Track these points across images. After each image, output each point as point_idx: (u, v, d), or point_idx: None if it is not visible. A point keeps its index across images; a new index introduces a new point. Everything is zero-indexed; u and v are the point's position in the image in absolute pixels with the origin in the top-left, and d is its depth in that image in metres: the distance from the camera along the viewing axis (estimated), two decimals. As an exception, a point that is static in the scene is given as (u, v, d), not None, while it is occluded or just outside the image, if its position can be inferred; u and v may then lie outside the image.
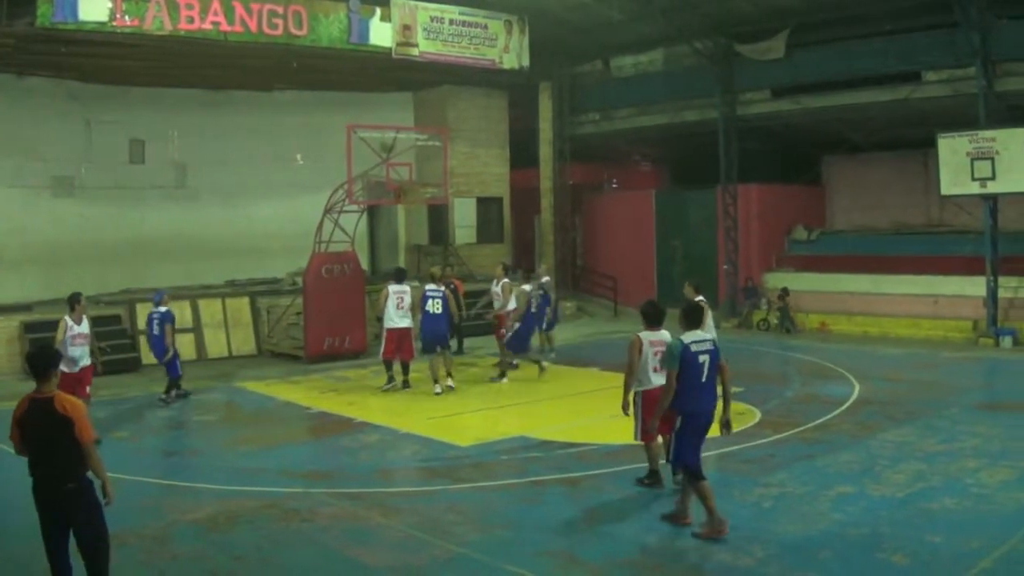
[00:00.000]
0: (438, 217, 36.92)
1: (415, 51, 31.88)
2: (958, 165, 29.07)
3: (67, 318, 17.30)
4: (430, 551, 11.14)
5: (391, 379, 22.38)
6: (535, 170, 39.69)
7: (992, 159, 28.32)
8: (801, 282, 34.39)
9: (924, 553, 10.74)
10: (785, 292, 33.50)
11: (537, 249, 40.34)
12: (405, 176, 28.27)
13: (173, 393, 21.32)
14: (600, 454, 15.77)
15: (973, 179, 28.82)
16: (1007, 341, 28.46)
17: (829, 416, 18.51)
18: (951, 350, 27.98)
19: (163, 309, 21.23)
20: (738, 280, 35.97)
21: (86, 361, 17.35)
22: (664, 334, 13.10)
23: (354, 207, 27.99)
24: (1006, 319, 29.36)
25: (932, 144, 30.15)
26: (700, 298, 17.53)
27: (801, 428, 17.48)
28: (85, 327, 17.46)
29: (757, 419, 18.42)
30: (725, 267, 36.46)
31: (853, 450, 15.71)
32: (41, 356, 9.09)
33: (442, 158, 30.44)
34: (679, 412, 11.55)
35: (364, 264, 31.80)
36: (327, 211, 27.73)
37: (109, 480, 8.97)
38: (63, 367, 16.00)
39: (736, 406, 19.39)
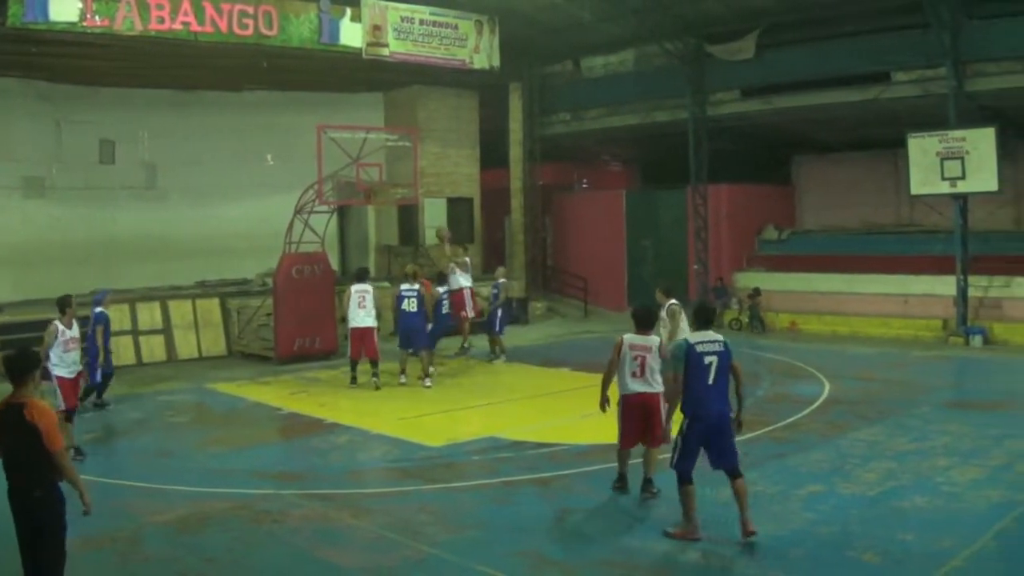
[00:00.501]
0: (408, 217, 36.86)
1: (385, 51, 31.79)
2: (928, 165, 29.25)
3: (57, 322, 16.41)
4: (401, 552, 11.12)
5: (354, 379, 22.63)
6: (505, 170, 39.63)
7: (962, 159, 28.49)
8: (771, 282, 34.51)
9: (895, 552, 10.78)
10: (756, 292, 33.58)
11: (507, 249, 40.35)
12: (375, 176, 28.21)
13: (89, 401, 20.22)
14: (571, 454, 15.77)
15: (943, 179, 29.01)
16: (977, 340, 28.60)
17: (799, 415, 18.59)
18: (921, 349, 28.12)
19: (98, 310, 20.57)
20: (708, 280, 36.04)
21: (78, 366, 16.80)
22: (653, 339, 13.02)
23: (324, 208, 27.94)
24: (976, 318, 29.51)
25: (902, 144, 30.35)
26: (672, 301, 17.63)
27: (771, 427, 17.52)
28: (76, 331, 16.76)
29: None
30: (695, 267, 36.53)
31: (823, 449, 15.76)
32: (18, 359, 8.81)
33: (412, 158, 30.40)
34: (685, 414, 11.39)
35: (334, 265, 31.72)
36: (297, 211, 27.65)
37: (86, 489, 8.79)
38: (62, 373, 16.03)
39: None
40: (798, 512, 12.30)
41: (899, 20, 29.89)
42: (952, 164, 28.76)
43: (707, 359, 11.27)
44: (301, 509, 12.85)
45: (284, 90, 35.62)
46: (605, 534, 11.69)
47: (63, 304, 16.70)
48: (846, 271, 33.54)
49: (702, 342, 11.40)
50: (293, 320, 27.03)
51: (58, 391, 15.81)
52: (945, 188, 29.34)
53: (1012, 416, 18.12)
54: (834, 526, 11.69)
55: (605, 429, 13.75)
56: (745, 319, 33.82)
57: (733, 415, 11.53)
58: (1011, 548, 11.13)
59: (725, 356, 11.41)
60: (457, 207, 38.20)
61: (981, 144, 28.39)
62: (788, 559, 10.62)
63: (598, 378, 13.08)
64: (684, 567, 10.58)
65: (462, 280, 26.05)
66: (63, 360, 16.16)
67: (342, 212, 34.50)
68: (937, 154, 29.04)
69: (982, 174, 28.42)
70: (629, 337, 12.88)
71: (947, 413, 18.90)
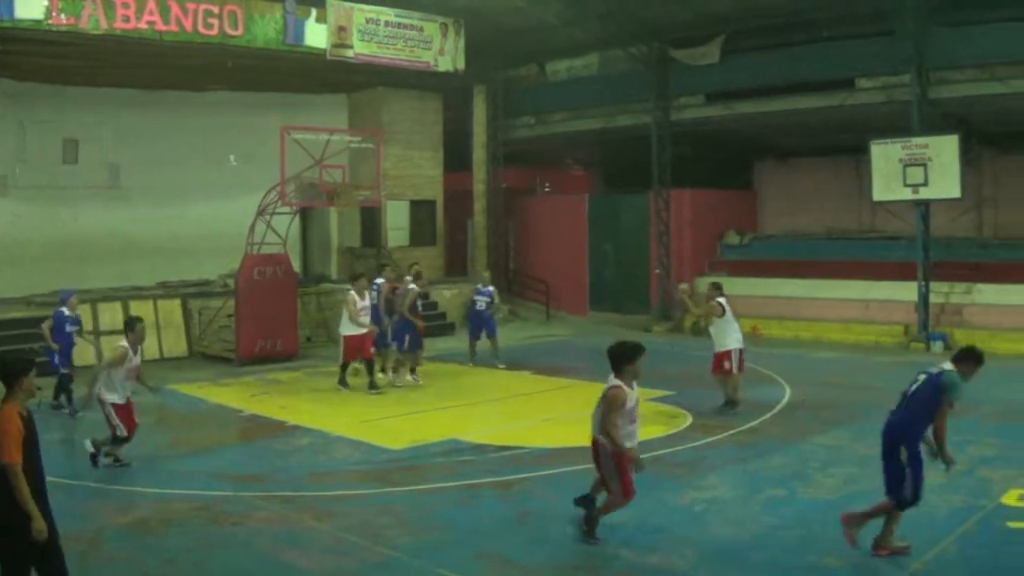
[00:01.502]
0: (371, 219, 36.85)
1: (350, 52, 31.75)
2: (891, 171, 29.39)
3: (125, 345, 15.24)
4: (362, 554, 11.13)
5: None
6: (469, 173, 39.64)
7: (924, 166, 28.64)
8: (733, 286, 34.47)
9: (857, 556, 10.84)
10: (716, 287, 33.66)
11: (470, 253, 40.31)
12: (338, 178, 28.21)
13: (62, 397, 20.31)
14: (533, 457, 15.81)
15: (905, 185, 29.14)
16: (938, 346, 28.72)
17: (760, 420, 18.70)
18: (882, 355, 28.20)
19: (60, 310, 20.65)
20: (670, 284, 36.14)
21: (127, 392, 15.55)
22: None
23: (287, 209, 27.91)
24: (937, 324, 29.68)
25: (865, 150, 30.49)
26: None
27: (733, 431, 17.60)
28: (139, 357, 15.57)
29: (689, 422, 18.57)
30: (657, 271, 36.61)
31: (784, 453, 15.86)
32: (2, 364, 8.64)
33: (375, 160, 30.38)
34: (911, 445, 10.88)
35: (296, 266, 31.68)
36: (260, 212, 27.62)
37: (35, 514, 8.21)
38: (116, 399, 15.19)
39: (667, 409, 19.62)
40: (759, 516, 12.35)
41: (863, 27, 30.01)
42: (915, 171, 28.91)
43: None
44: (262, 511, 12.81)
45: (248, 91, 35.51)
46: (567, 538, 11.62)
47: (128, 327, 15.66)
48: (808, 276, 33.68)
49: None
50: (255, 321, 26.97)
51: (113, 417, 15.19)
52: (907, 195, 29.49)
53: (973, 422, 18.15)
54: (795, 530, 11.76)
55: (566, 433, 13.77)
56: (704, 323, 33.92)
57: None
58: (973, 552, 11.20)
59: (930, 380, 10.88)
60: (420, 210, 38.21)
61: (944, 151, 28.55)
62: (749, 563, 10.66)
63: (560, 381, 13.14)
64: (646, 571, 10.59)
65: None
66: (123, 387, 15.32)
67: (304, 214, 34.46)
68: (900, 160, 29.19)
69: (945, 181, 28.58)
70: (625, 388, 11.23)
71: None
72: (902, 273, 30.87)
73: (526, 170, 43.31)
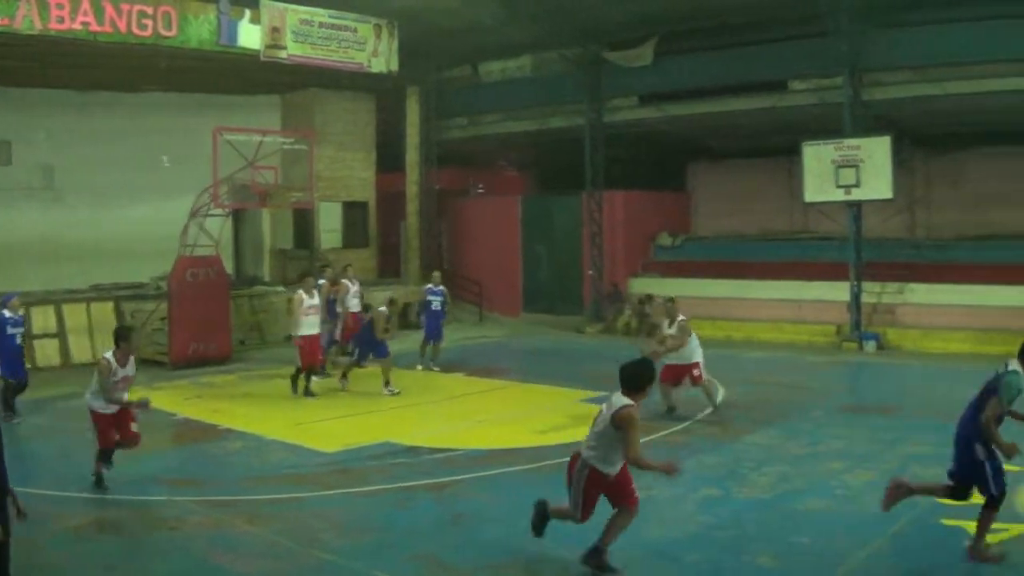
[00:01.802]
0: (303, 221, 36.80)
1: (283, 53, 31.54)
2: (823, 172, 29.76)
3: (108, 357, 14.16)
4: (298, 558, 11.09)
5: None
6: (402, 174, 39.48)
7: (857, 167, 29.04)
8: (666, 287, 34.67)
9: (791, 554, 10.96)
10: (648, 298, 33.82)
11: (402, 254, 40.26)
12: (271, 180, 28.16)
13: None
14: (466, 459, 15.82)
15: (837, 186, 29.53)
16: (870, 345, 29.08)
17: (694, 420, 18.80)
18: (815, 354, 28.53)
19: (1, 312, 20.02)
20: (603, 285, 36.28)
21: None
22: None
23: (219, 211, 27.82)
24: (869, 324, 30.01)
25: (798, 151, 30.83)
26: (682, 317, 18.39)
27: (666, 432, 17.69)
28: (132, 368, 14.41)
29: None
30: (590, 272, 36.76)
31: (718, 453, 15.97)
32: None
33: (308, 162, 30.37)
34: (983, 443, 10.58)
35: (228, 268, 31.53)
36: (193, 214, 27.50)
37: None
38: (101, 408, 14.07)
39: (599, 409, 19.68)
40: (693, 516, 12.42)
41: (797, 29, 30.34)
42: (847, 172, 29.27)
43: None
44: (197, 516, 12.70)
45: (182, 92, 35.28)
46: (501, 539, 11.68)
47: (120, 337, 14.42)
48: (741, 277, 33.99)
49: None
50: (188, 324, 26.84)
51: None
52: (839, 195, 29.86)
53: (905, 420, 18.45)
54: (730, 530, 11.83)
55: (500, 434, 13.81)
56: (636, 324, 34.08)
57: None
58: (906, 550, 11.35)
59: (991, 383, 10.73)
60: (352, 211, 38.16)
61: (876, 152, 28.93)
62: (684, 562, 10.71)
63: (493, 383, 13.14)
64: (580, 572, 10.57)
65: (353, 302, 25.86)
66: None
67: (237, 215, 34.14)
68: (832, 162, 29.57)
69: (877, 182, 28.94)
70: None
71: (841, 417, 19.24)
72: (834, 273, 31.20)
73: (460, 171, 43.33)
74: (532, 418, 19.50)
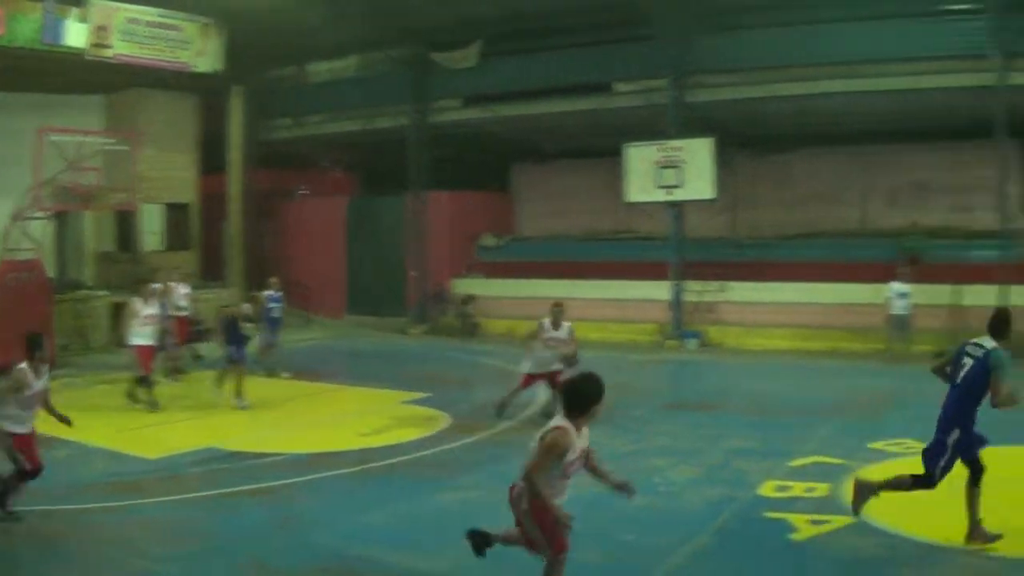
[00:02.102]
0: (126, 224, 36.02)
1: (109, 52, 31.06)
2: (645, 173, 30.26)
3: (24, 367, 12.95)
4: (122, 567, 10.90)
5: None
6: (225, 175, 39.20)
7: (678, 167, 29.58)
8: (490, 288, 35.02)
9: (617, 551, 11.08)
10: (469, 298, 34.07)
11: (225, 257, 39.87)
12: (93, 181, 27.80)
13: None
14: (290, 463, 15.67)
15: (660, 186, 30.01)
16: (692, 343, 29.63)
17: (517, 419, 18.87)
18: (638, 353, 28.91)
19: None
20: (428, 287, 36.42)
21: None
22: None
23: (41, 213, 27.40)
24: (691, 322, 30.54)
25: (622, 152, 31.29)
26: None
27: (491, 431, 17.81)
28: (46, 380, 13.39)
29: (447, 423, 18.74)
30: (413, 274, 36.83)
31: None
32: None
33: (130, 163, 30.00)
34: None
35: (50, 272, 30.96)
36: (15, 218, 27.05)
37: None
38: (17, 429, 12.79)
39: (425, 411, 19.83)
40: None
41: (623, 32, 30.75)
42: (669, 172, 29.84)
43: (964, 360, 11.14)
44: (20, 525, 12.34)
45: (6, 91, 34.60)
46: (328, 542, 11.63)
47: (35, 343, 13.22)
48: (565, 277, 34.05)
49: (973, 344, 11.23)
50: (8, 329, 26.39)
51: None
52: (661, 196, 30.35)
53: (726, 416, 18.76)
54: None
55: (323, 437, 13.84)
56: (458, 324, 34.32)
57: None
58: (730, 543, 11.52)
59: (979, 363, 10.99)
60: (175, 213, 37.60)
61: (698, 153, 29.55)
62: (511, 559, 10.63)
63: (318, 386, 13.10)
64: (402, 573, 10.67)
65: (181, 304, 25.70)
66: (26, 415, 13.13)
67: (59, 218, 33.22)
68: (655, 163, 30.10)
69: (699, 182, 29.55)
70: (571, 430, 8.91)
71: (664, 415, 19.60)
72: (657, 273, 31.66)
73: (285, 172, 42.79)
74: (356, 421, 19.42)
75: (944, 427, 10.99)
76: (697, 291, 31.29)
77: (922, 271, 28.81)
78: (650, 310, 31.85)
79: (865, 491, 11.40)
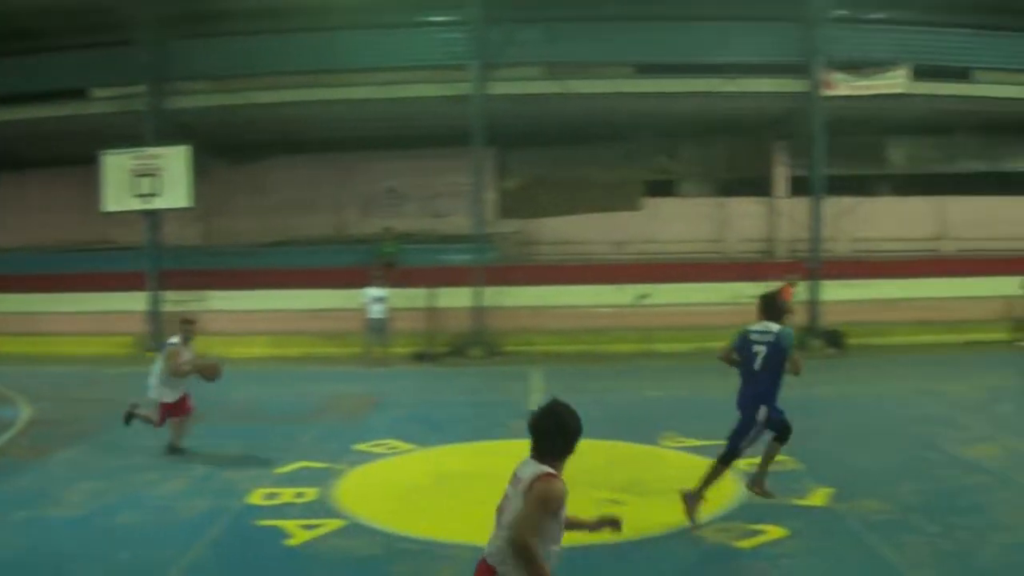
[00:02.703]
0: None
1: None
2: (122, 181, 30.03)
3: None
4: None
5: None
6: None
7: (156, 176, 29.52)
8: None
9: (114, 571, 10.95)
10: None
11: None
12: None
13: None
14: None
15: (137, 195, 29.84)
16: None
17: (1, 440, 18.29)
18: (117, 366, 28.39)
19: None
20: None
21: None
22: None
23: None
24: (173, 332, 30.47)
25: (99, 160, 30.81)
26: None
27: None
28: None
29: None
30: None
31: (28, 473, 15.56)
32: None
33: None
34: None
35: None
36: None
37: None
38: None
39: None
40: (10, 540, 11.98)
41: (99, 37, 30.32)
42: (146, 181, 29.71)
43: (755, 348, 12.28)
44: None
45: None
46: None
47: None
48: (42, 290, 33.31)
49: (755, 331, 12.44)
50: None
51: None
52: (138, 204, 30.17)
53: (211, 426, 18.50)
54: (48, 550, 11.61)
55: None
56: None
57: None
58: (226, 554, 11.62)
59: (771, 347, 12.18)
60: None
61: (175, 161, 29.60)
62: None
63: None
64: None
65: None
66: None
67: None
68: (132, 171, 29.85)
69: (176, 191, 29.63)
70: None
71: (149, 429, 19.35)
72: (136, 283, 31.49)
73: None
74: None
75: (750, 407, 12.15)
76: (176, 301, 31.14)
77: (398, 275, 29.91)
78: (129, 322, 31.65)
79: (692, 500, 12.11)
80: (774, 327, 12.32)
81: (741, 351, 12.39)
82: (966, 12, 31.51)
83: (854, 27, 31.85)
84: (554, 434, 6.76)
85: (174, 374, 16.48)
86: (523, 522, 6.54)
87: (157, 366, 16.82)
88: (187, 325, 17.10)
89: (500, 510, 6.90)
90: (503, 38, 30.10)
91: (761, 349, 12.22)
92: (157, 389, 16.74)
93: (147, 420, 17.03)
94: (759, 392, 12.20)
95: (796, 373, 12.28)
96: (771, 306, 12.60)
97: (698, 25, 31.89)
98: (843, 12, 31.25)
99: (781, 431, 12.33)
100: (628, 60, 32.73)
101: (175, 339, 16.84)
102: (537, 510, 6.54)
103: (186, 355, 16.70)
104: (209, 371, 16.80)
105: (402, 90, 30.41)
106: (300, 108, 30.67)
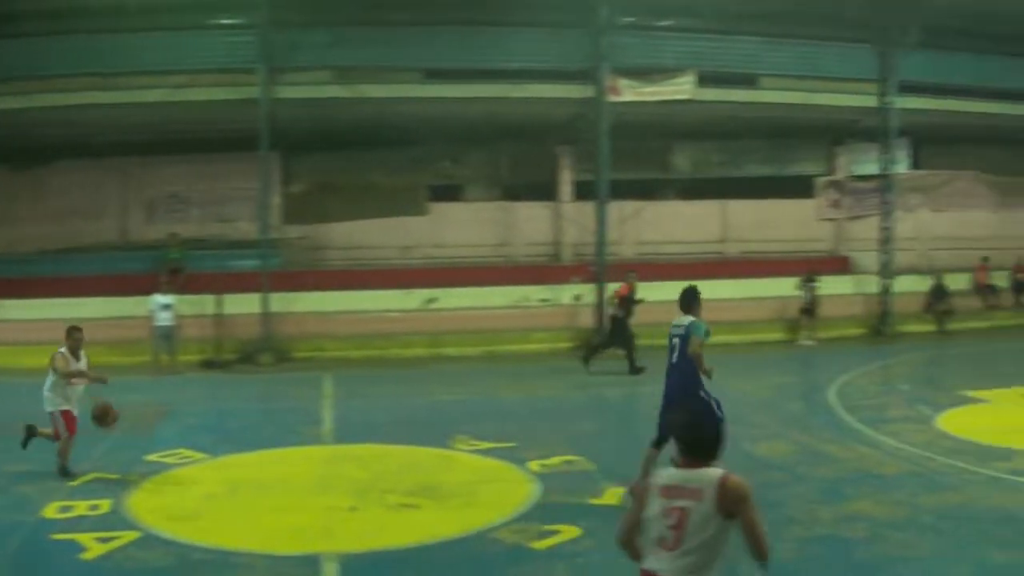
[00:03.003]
0: None
1: None
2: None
3: None
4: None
5: None
6: None
7: None
8: None
9: None
10: None
11: None
12: None
13: None
14: None
15: None
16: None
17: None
18: None
19: None
20: None
21: None
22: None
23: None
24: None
25: None
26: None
27: None
28: None
29: None
30: None
31: None
32: None
33: None
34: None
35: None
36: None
37: None
38: None
39: None
40: None
41: None
42: None
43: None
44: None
45: None
46: None
47: None
48: None
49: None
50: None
51: None
52: None
53: (4, 439, 18.33)
54: None
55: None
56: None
57: None
58: (24, 571, 11.50)
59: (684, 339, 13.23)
60: None
61: None
62: None
63: None
64: None
65: None
66: None
67: None
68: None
69: None
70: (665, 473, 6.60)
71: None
72: None
73: None
74: None
75: (679, 397, 12.71)
76: None
77: (184, 282, 29.77)
78: None
79: (638, 493, 12.35)
80: (686, 320, 13.32)
81: (669, 349, 13.44)
82: (752, 20, 32.46)
83: (642, 34, 32.69)
84: (715, 441, 6.39)
85: (65, 375, 16.07)
86: (758, 526, 6.06)
87: (49, 378, 16.27)
88: (75, 333, 16.60)
89: (678, 527, 6.11)
90: (290, 42, 30.13)
91: (677, 342, 13.26)
92: (51, 400, 16.16)
93: (48, 437, 16.41)
94: (685, 383, 13.04)
95: (705, 373, 13.16)
96: (684, 300, 13.55)
97: (486, 31, 32.30)
98: (631, 19, 31.93)
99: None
100: (416, 65, 32.93)
101: (62, 349, 16.35)
102: (754, 508, 6.06)
103: (75, 365, 16.30)
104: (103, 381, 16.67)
105: (189, 94, 30.22)
106: (86, 111, 30.14)
